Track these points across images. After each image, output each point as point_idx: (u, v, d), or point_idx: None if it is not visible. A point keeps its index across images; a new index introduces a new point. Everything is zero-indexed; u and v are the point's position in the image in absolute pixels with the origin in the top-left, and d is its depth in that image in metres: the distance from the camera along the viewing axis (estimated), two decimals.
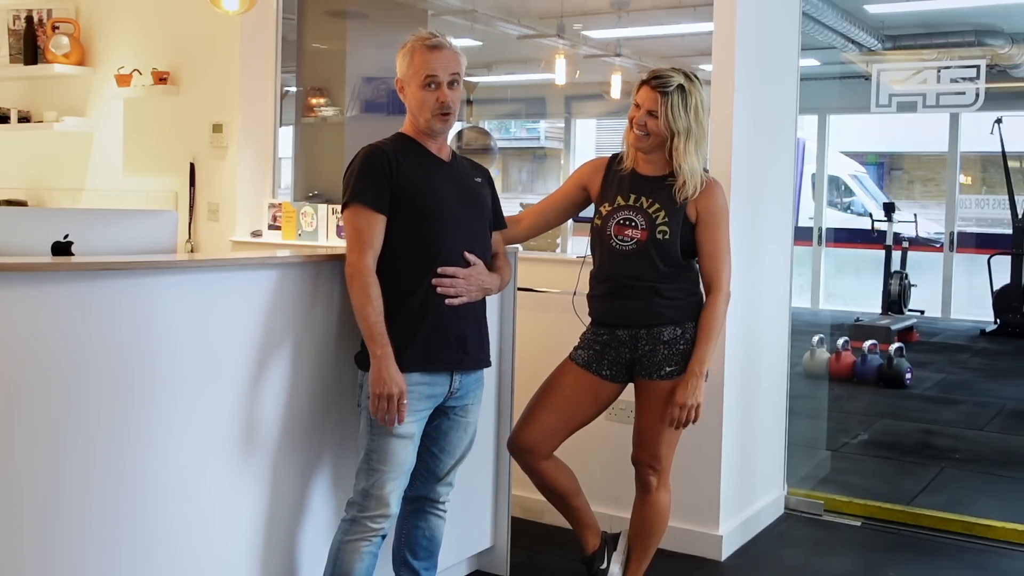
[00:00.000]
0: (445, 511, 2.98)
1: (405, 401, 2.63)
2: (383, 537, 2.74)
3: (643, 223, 3.05)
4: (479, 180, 2.90)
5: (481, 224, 2.87)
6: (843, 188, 15.54)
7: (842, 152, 15.24)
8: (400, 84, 2.79)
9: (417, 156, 2.77)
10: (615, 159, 3.20)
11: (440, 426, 2.86)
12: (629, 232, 3.06)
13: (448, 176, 2.80)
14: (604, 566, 3.26)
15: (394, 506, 2.72)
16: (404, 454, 2.71)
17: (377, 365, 2.62)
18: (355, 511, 2.71)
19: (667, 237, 3.03)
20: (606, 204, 3.13)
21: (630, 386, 3.18)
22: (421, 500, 2.93)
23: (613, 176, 3.17)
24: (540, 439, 3.17)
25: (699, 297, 3.11)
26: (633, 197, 3.09)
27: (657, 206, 3.06)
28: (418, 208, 2.70)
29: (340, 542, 2.72)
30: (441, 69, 2.71)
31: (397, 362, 2.63)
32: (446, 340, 2.74)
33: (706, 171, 3.12)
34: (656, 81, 3.02)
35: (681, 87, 3.00)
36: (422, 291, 2.71)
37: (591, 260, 3.21)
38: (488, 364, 2.92)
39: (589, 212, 3.24)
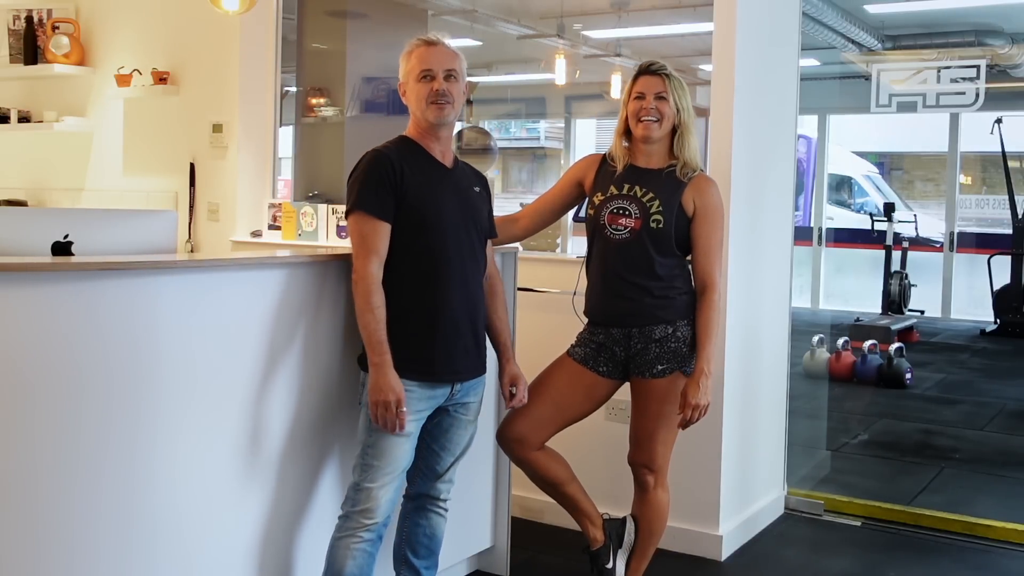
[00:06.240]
0: (446, 509, 2.98)
1: (404, 408, 2.65)
2: (379, 536, 2.74)
3: (637, 211, 3.06)
4: (477, 190, 2.90)
5: (478, 236, 2.86)
6: (856, 188, 15.49)
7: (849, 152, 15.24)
8: (402, 88, 2.82)
9: (420, 162, 2.77)
10: (609, 156, 3.21)
11: (441, 423, 2.87)
12: (623, 221, 3.07)
13: (449, 185, 2.81)
14: (610, 565, 3.26)
15: (384, 503, 2.71)
16: (400, 452, 2.72)
17: (375, 373, 2.64)
18: (348, 507, 2.73)
19: (661, 226, 3.04)
20: (599, 193, 3.14)
21: (627, 387, 3.18)
22: (422, 498, 2.94)
23: (607, 170, 3.18)
24: (529, 429, 3.16)
25: (690, 295, 3.11)
26: (627, 187, 3.10)
27: (652, 195, 3.07)
28: (419, 217, 2.71)
29: (334, 539, 2.74)
30: (436, 63, 2.76)
31: (396, 367, 2.65)
32: (446, 355, 2.76)
33: (701, 170, 3.14)
34: (656, 67, 3.10)
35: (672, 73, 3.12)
36: (423, 306, 2.72)
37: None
38: (484, 371, 2.93)
39: None
